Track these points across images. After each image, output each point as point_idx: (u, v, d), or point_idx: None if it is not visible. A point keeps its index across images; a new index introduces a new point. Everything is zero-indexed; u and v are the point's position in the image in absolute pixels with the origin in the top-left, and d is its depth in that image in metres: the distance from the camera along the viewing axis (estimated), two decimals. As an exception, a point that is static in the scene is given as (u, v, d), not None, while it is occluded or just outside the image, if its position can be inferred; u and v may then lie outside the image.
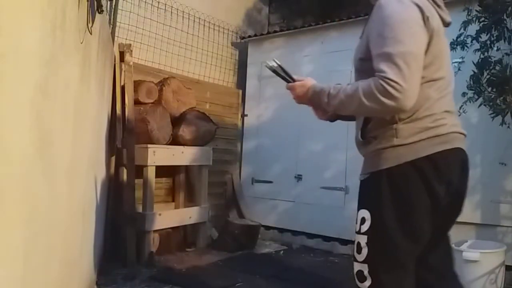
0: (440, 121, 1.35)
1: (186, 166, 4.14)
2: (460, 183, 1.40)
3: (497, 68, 2.82)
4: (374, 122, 1.39)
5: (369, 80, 1.28)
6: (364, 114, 1.41)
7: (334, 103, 1.40)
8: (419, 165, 1.31)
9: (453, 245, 3.04)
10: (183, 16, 4.64)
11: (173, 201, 4.20)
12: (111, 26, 3.70)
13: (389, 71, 1.23)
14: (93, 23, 1.98)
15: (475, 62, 2.94)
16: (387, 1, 1.32)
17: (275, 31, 5.13)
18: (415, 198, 1.32)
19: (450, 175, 1.35)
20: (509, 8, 2.77)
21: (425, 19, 1.30)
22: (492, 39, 2.91)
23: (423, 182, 1.31)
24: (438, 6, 1.42)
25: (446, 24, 1.45)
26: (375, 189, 1.36)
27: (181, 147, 3.90)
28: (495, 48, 2.92)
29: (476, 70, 2.92)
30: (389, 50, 1.25)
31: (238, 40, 5.34)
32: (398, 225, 1.32)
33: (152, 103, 3.79)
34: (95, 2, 1.95)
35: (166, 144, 3.79)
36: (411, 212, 1.33)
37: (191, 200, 4.24)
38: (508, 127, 2.85)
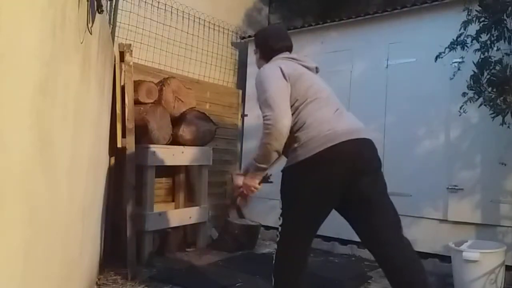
0: (316, 123, 1.93)
1: (186, 166, 4.14)
2: (355, 165, 1.89)
3: (497, 68, 2.82)
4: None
5: None
6: (270, 150, 1.94)
7: (259, 158, 2.03)
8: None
9: (452, 245, 3.07)
10: (183, 16, 4.64)
11: (173, 201, 4.20)
12: (111, 26, 3.70)
13: (265, 111, 1.93)
14: (93, 23, 1.98)
15: (475, 62, 2.94)
16: (259, 71, 2.12)
17: (275, 31, 5.12)
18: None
19: (329, 168, 1.88)
20: (509, 8, 2.77)
21: (284, 73, 2.00)
22: (492, 39, 2.91)
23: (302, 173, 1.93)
24: (299, 60, 2.16)
25: (311, 68, 2.19)
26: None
27: (181, 147, 3.90)
28: (495, 48, 2.92)
29: (476, 70, 2.92)
30: (262, 99, 1.98)
31: (238, 40, 5.34)
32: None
33: (152, 103, 3.79)
34: (95, 2, 1.95)
35: (166, 144, 3.79)
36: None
37: (191, 200, 4.24)
38: (508, 127, 2.85)
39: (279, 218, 2.02)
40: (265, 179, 2.20)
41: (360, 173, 1.90)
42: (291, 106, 1.96)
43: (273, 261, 2.02)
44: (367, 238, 1.98)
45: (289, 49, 2.28)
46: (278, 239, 2.02)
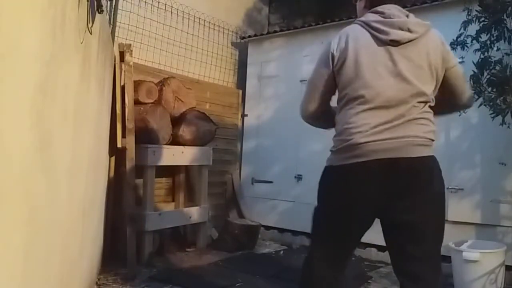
0: (353, 131, 1.59)
1: (186, 166, 4.14)
2: (390, 197, 1.58)
3: (497, 68, 2.82)
4: None
5: None
6: None
7: None
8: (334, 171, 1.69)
9: (452, 245, 3.07)
10: (183, 16, 4.64)
11: (173, 201, 4.20)
12: (111, 26, 3.70)
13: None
14: (93, 23, 1.98)
15: (475, 62, 2.94)
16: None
17: (275, 31, 5.13)
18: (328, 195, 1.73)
19: (360, 186, 1.60)
20: (509, 8, 2.77)
21: (330, 54, 1.65)
22: (492, 39, 2.91)
23: (335, 185, 1.68)
24: (374, 29, 1.63)
25: (387, 42, 1.60)
26: None
27: (181, 147, 3.90)
28: (495, 48, 2.92)
29: (476, 70, 2.92)
30: None
31: (238, 40, 5.34)
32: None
33: (152, 103, 3.79)
34: (95, 2, 1.95)
35: (166, 144, 3.79)
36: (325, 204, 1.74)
37: (191, 200, 4.24)
38: (508, 127, 2.85)
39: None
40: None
41: (394, 195, 1.58)
42: (339, 101, 1.68)
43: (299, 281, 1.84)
44: (396, 266, 1.70)
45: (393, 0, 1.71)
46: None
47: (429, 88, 1.61)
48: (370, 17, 1.67)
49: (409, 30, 1.60)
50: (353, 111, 1.60)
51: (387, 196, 1.59)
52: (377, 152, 1.56)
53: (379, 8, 1.67)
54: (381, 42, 1.61)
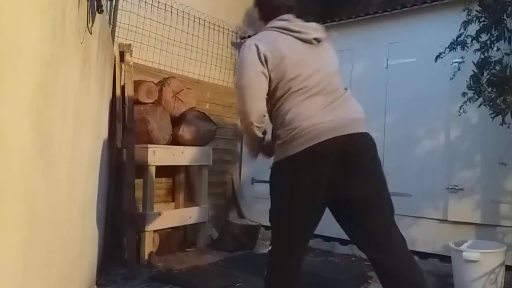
0: (302, 117, 1.72)
1: (186, 166, 4.14)
2: (341, 165, 1.71)
3: (497, 68, 2.82)
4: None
5: None
6: (247, 135, 1.93)
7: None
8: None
9: (452, 245, 3.07)
10: (183, 16, 4.64)
11: (173, 201, 4.20)
12: (111, 26, 3.70)
13: (237, 102, 1.84)
14: (93, 23, 1.98)
15: (475, 62, 2.94)
16: (242, 48, 1.85)
17: (275, 31, 5.12)
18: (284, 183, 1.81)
19: (314, 168, 1.71)
20: (509, 8, 2.77)
21: (262, 57, 1.75)
22: (492, 39, 2.91)
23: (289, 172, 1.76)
24: (293, 32, 1.84)
25: (308, 41, 1.84)
26: None
27: (181, 147, 3.90)
28: (495, 48, 2.92)
29: (476, 70, 2.92)
30: (236, 85, 1.85)
31: (238, 40, 5.34)
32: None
33: (152, 103, 3.79)
34: (95, 2, 1.95)
35: (166, 144, 3.79)
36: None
37: (191, 200, 4.24)
38: (508, 127, 2.85)
39: (269, 222, 1.92)
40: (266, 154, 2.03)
41: (349, 173, 1.72)
42: (272, 96, 1.79)
43: (265, 273, 1.93)
44: (358, 239, 1.88)
45: (290, 10, 1.95)
46: (269, 248, 1.93)
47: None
48: (280, 23, 1.90)
49: (320, 31, 1.96)
50: (295, 101, 1.75)
51: (341, 172, 1.71)
52: (328, 132, 1.69)
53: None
54: (304, 41, 1.85)
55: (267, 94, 1.79)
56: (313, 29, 1.87)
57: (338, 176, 1.71)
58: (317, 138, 1.68)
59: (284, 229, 1.85)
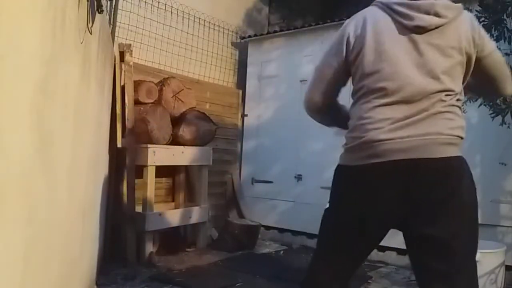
0: (368, 127, 1.40)
1: (186, 166, 4.14)
2: (403, 195, 1.37)
3: (497, 68, 2.82)
4: None
5: None
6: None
7: None
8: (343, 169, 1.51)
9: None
10: (183, 16, 4.64)
11: (173, 201, 4.20)
12: (111, 26, 3.70)
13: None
14: (93, 23, 1.98)
15: (475, 62, 2.94)
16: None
17: (275, 31, 5.13)
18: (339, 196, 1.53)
19: (374, 192, 1.40)
20: (509, 8, 2.77)
21: (345, 40, 1.47)
22: (492, 39, 2.91)
23: (346, 186, 1.49)
24: (396, 12, 1.42)
25: (411, 29, 1.39)
26: None
27: (181, 147, 3.90)
28: (495, 48, 2.92)
29: (476, 70, 2.92)
30: None
31: (238, 40, 5.34)
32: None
33: (152, 103, 3.79)
34: (95, 2, 1.95)
35: (166, 144, 3.79)
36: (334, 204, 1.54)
37: (191, 200, 4.24)
38: (508, 127, 2.85)
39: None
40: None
41: (412, 205, 1.37)
42: (353, 91, 1.49)
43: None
44: (421, 283, 1.47)
45: None
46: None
47: (458, 84, 1.42)
48: None
49: (437, 15, 1.38)
50: (370, 105, 1.40)
51: (406, 204, 1.37)
52: (395, 152, 1.35)
53: None
54: (404, 28, 1.40)
55: (353, 86, 1.50)
56: (424, 11, 1.38)
57: (400, 204, 1.38)
58: (378, 157, 1.37)
59: (332, 232, 1.56)
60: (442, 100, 1.37)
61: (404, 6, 1.40)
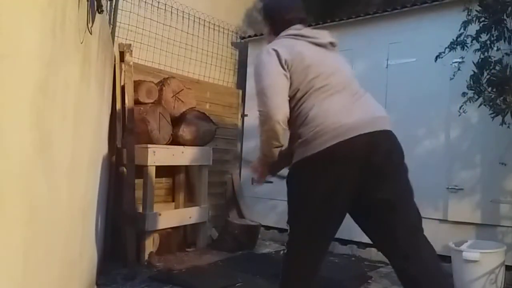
0: (327, 113, 1.68)
1: (186, 166, 4.14)
2: (365, 165, 1.62)
3: (497, 68, 2.82)
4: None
5: None
6: (269, 146, 1.81)
7: (262, 150, 1.90)
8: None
9: (452, 245, 3.07)
10: (183, 16, 4.64)
11: (173, 201, 4.20)
12: (111, 26, 3.70)
13: (259, 105, 1.78)
14: (93, 23, 1.98)
15: (475, 62, 2.94)
16: (258, 54, 1.85)
17: (275, 31, 5.12)
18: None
19: (338, 168, 1.63)
20: (509, 8, 2.77)
21: (281, 59, 1.74)
22: (492, 39, 2.91)
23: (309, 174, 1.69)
24: (308, 37, 1.85)
25: (324, 45, 1.86)
26: None
27: (181, 147, 3.90)
28: (495, 48, 2.92)
29: (476, 70, 2.92)
30: (256, 89, 1.79)
31: (238, 40, 5.34)
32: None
33: (152, 103, 3.79)
34: (95, 2, 1.95)
35: (166, 144, 3.79)
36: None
37: (191, 200, 4.24)
38: (508, 127, 2.85)
39: (287, 225, 1.79)
40: (274, 172, 2.08)
41: (376, 173, 1.63)
42: (292, 98, 1.74)
43: (280, 277, 1.84)
44: (383, 246, 1.76)
45: (303, 21, 1.96)
46: (285, 251, 1.82)
47: None
48: (294, 31, 1.91)
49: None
50: (319, 98, 1.71)
51: (367, 174, 1.63)
52: (354, 129, 1.62)
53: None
54: (321, 45, 1.87)
55: (296, 92, 1.76)
56: (326, 35, 1.90)
57: (361, 177, 1.63)
58: (340, 136, 1.61)
59: (301, 234, 1.74)
60: (365, 91, 1.81)
61: (311, 33, 1.88)
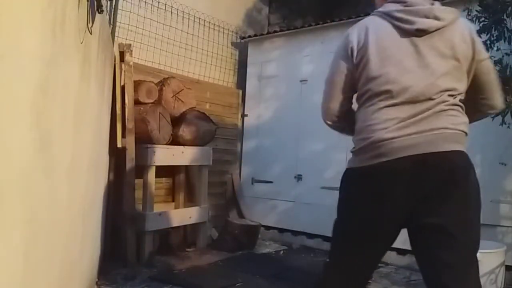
0: (375, 127, 1.45)
1: (186, 166, 4.14)
2: (413, 188, 1.40)
3: (497, 68, 2.82)
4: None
5: None
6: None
7: None
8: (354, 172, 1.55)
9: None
10: (183, 16, 4.64)
11: (173, 201, 4.20)
12: (111, 26, 3.70)
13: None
14: (93, 23, 1.98)
15: (475, 62, 2.94)
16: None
17: (275, 31, 5.13)
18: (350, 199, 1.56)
19: (386, 189, 1.43)
20: (509, 8, 2.77)
21: (349, 49, 1.53)
22: (492, 39, 2.91)
23: (358, 187, 1.51)
24: (395, 18, 1.49)
25: (412, 32, 1.46)
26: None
27: (181, 147, 3.90)
28: (495, 48, 2.92)
29: (476, 70, 2.92)
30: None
31: (238, 40, 5.34)
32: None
33: (152, 103, 3.79)
34: (95, 2, 1.95)
35: (166, 144, 3.79)
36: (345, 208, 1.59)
37: (191, 200, 4.24)
38: (508, 127, 2.85)
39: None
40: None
41: (421, 197, 1.41)
42: (358, 96, 1.56)
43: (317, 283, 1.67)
44: (426, 278, 1.48)
45: None
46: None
47: (461, 84, 1.47)
48: (390, 6, 1.52)
49: (436, 18, 1.44)
50: (375, 107, 1.46)
51: (415, 198, 1.41)
52: (402, 149, 1.40)
53: None
54: (405, 33, 1.46)
55: (358, 91, 1.56)
56: (423, 15, 1.45)
57: (409, 201, 1.42)
58: (386, 156, 1.41)
59: (342, 241, 1.59)
60: (445, 100, 1.43)
61: (403, 13, 1.47)
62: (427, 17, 1.45)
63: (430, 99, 1.42)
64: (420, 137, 1.40)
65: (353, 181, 1.53)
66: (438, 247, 1.41)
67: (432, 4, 1.49)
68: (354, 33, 1.54)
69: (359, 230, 1.50)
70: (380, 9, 1.55)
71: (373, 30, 1.50)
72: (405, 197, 1.41)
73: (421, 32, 1.44)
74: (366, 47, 1.49)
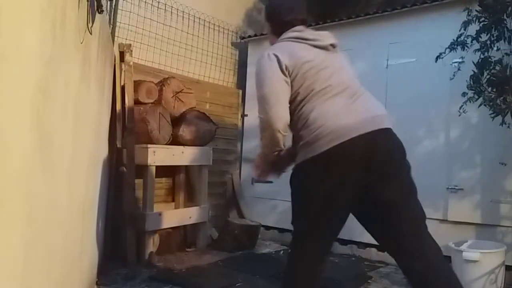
0: (327, 115, 1.69)
1: (186, 166, 4.14)
2: (368, 165, 1.64)
3: (497, 68, 2.82)
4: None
5: None
6: (269, 150, 1.89)
7: (263, 150, 1.94)
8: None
9: (452, 245, 3.07)
10: (183, 16, 4.64)
11: (173, 201, 4.20)
12: (111, 26, 3.70)
13: (259, 111, 1.81)
14: (93, 23, 1.98)
15: (475, 62, 2.94)
16: (259, 58, 1.88)
17: (275, 31, 5.12)
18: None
19: (340, 169, 1.65)
20: (509, 8, 2.77)
21: (281, 64, 1.76)
22: (492, 39, 2.91)
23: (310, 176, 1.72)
24: (309, 40, 1.86)
25: (324, 47, 1.86)
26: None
27: (181, 147, 3.90)
28: (495, 48, 2.92)
29: (476, 70, 2.92)
30: (257, 95, 1.82)
31: (238, 40, 5.34)
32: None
33: (152, 103, 3.79)
34: (95, 2, 1.95)
35: (166, 144, 3.79)
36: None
37: (191, 200, 4.24)
38: (508, 127, 2.85)
39: (292, 225, 1.83)
40: (278, 171, 2.10)
41: (378, 173, 1.66)
42: (292, 101, 1.77)
43: (283, 276, 1.89)
44: (388, 245, 1.78)
45: (303, 22, 1.97)
46: (289, 251, 1.86)
47: None
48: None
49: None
50: (317, 101, 1.72)
51: (369, 175, 1.65)
52: (354, 130, 1.63)
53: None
54: (322, 48, 1.87)
55: (296, 97, 1.78)
56: (327, 36, 1.90)
57: (363, 178, 1.65)
58: (341, 137, 1.63)
59: (304, 234, 1.78)
60: (365, 90, 1.82)
61: (313, 35, 1.88)
62: (330, 37, 1.91)
63: (357, 90, 1.81)
64: (364, 117, 1.71)
65: (314, 168, 1.69)
66: (392, 218, 1.71)
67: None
68: (281, 54, 1.80)
69: (323, 210, 1.69)
70: (286, 37, 1.92)
71: (297, 49, 1.84)
72: (361, 172, 1.65)
73: (332, 46, 1.90)
74: (301, 60, 1.79)
